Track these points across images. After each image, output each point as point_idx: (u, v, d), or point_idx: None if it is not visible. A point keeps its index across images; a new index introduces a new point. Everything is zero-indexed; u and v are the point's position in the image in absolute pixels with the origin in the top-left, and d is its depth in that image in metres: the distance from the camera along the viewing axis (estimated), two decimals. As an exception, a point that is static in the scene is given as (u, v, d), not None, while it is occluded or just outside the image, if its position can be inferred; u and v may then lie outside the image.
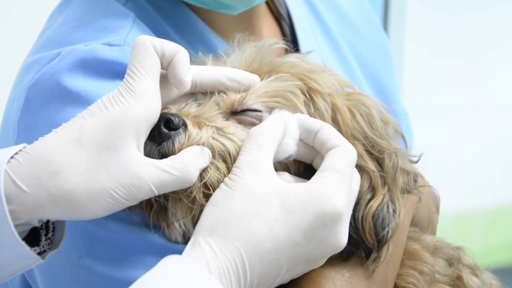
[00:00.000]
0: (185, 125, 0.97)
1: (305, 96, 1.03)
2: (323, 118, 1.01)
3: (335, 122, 1.02)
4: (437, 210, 1.24)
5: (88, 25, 1.15)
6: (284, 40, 1.36)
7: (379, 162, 1.02)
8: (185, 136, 0.97)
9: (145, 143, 0.95)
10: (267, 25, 1.36)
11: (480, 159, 4.09)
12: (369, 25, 1.50)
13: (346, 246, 0.96)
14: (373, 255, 1.01)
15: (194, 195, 0.95)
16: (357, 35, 1.47)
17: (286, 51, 1.33)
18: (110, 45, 1.11)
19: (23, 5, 2.67)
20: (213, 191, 0.95)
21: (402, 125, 1.46)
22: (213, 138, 0.97)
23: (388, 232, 1.00)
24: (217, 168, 0.96)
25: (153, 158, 0.95)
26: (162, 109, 0.97)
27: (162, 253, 0.97)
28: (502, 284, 1.22)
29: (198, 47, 1.23)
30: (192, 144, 0.96)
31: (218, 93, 1.02)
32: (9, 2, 2.69)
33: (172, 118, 0.96)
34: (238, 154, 0.96)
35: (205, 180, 0.96)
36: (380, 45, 1.50)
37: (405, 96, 3.66)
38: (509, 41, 4.13)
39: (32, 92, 1.09)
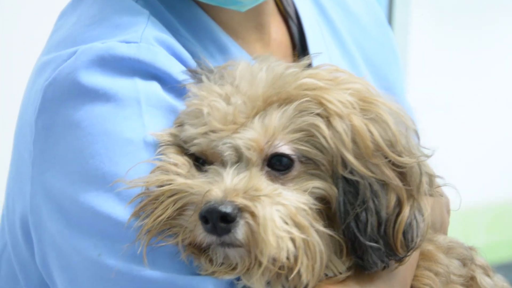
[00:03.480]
0: (240, 210, 0.97)
1: (324, 120, 1.01)
2: (341, 140, 1.00)
3: (355, 143, 1.00)
4: (449, 212, 1.25)
5: (103, 23, 1.15)
6: (292, 39, 1.37)
7: (402, 175, 1.02)
8: (243, 223, 0.97)
9: (204, 234, 0.98)
10: (275, 24, 1.36)
11: (484, 155, 4.07)
12: (375, 23, 1.50)
13: (373, 259, 1.01)
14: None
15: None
16: (363, 33, 1.47)
17: (294, 51, 1.34)
18: (127, 42, 1.11)
19: (32, 5, 2.66)
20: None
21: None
22: (271, 211, 0.97)
23: (418, 240, 1.02)
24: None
25: (216, 249, 0.98)
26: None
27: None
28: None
29: (208, 46, 1.23)
30: (253, 226, 0.97)
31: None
32: (19, 2, 2.68)
33: (228, 212, 0.96)
34: (292, 216, 0.98)
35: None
36: (386, 42, 1.50)
37: (410, 90, 3.64)
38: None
39: (49, 91, 1.09)
